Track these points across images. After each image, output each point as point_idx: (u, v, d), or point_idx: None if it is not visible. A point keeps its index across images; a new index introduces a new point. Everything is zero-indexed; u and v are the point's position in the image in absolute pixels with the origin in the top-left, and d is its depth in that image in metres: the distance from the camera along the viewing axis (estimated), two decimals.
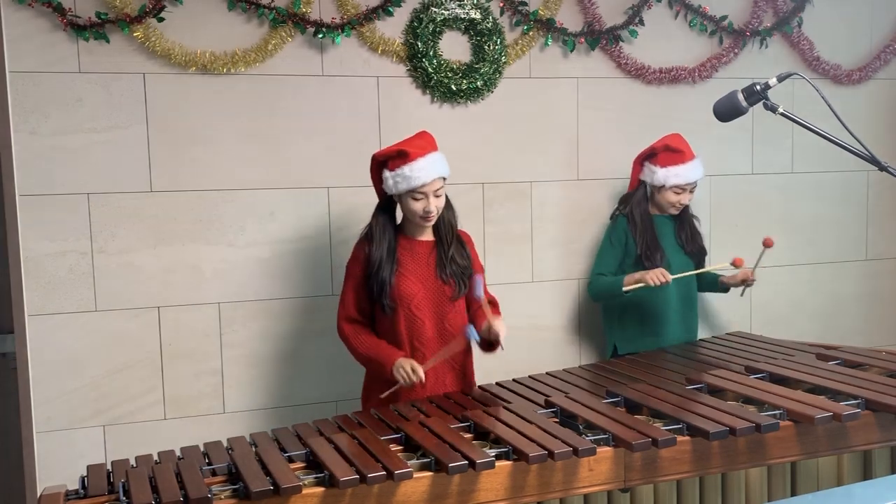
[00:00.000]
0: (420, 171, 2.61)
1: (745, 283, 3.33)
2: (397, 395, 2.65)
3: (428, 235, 2.78)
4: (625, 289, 3.17)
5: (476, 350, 2.85)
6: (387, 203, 2.76)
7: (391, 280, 2.68)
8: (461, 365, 2.82)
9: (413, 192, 2.64)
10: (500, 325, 2.67)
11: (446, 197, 2.76)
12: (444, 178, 2.71)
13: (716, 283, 3.43)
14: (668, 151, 3.24)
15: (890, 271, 4.18)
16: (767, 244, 3.24)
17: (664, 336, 3.29)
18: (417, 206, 2.66)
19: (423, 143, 2.69)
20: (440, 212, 2.72)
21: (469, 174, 3.38)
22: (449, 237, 2.77)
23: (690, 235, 3.39)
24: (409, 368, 2.58)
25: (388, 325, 2.73)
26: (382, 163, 2.70)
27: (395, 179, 2.64)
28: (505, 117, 3.47)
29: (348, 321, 2.76)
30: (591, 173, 3.62)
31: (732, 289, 3.42)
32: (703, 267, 3.41)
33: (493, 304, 2.87)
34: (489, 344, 2.73)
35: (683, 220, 3.39)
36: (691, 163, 3.25)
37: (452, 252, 2.76)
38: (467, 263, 2.79)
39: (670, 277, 3.12)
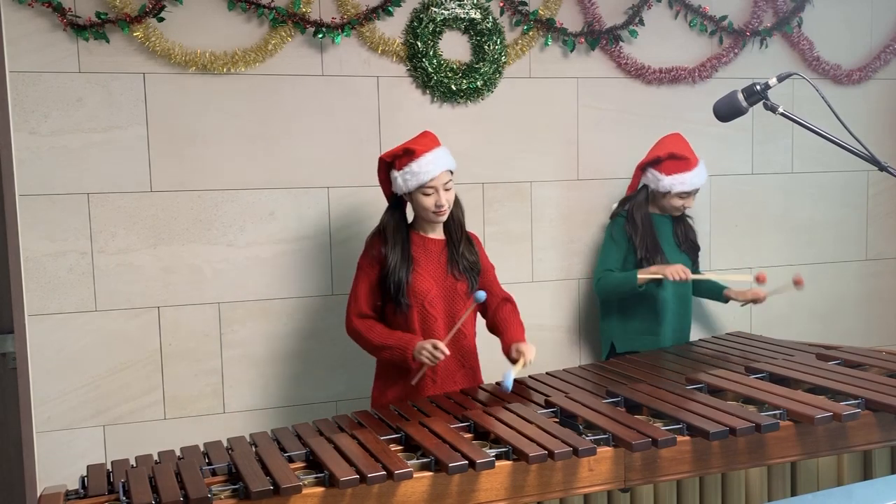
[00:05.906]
0: (428, 166, 2.65)
1: (756, 301, 3.34)
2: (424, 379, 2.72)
3: (439, 233, 2.81)
4: (640, 279, 3.17)
5: (479, 350, 2.90)
6: (396, 203, 2.78)
7: (408, 279, 2.71)
8: (471, 365, 2.86)
9: (423, 188, 2.67)
10: (529, 349, 2.72)
11: (455, 194, 2.79)
12: (452, 172, 2.74)
13: (717, 293, 3.43)
14: (674, 159, 3.21)
15: (890, 271, 4.18)
16: (798, 283, 3.22)
17: (661, 335, 3.29)
18: (429, 202, 2.69)
19: (426, 141, 2.73)
20: (451, 206, 2.75)
21: (469, 174, 3.38)
22: (458, 234, 2.81)
23: (685, 232, 3.40)
24: (430, 347, 2.60)
25: (402, 321, 2.75)
26: (390, 163, 2.72)
27: (405, 177, 2.67)
28: (505, 117, 3.47)
29: (360, 317, 2.76)
30: (591, 173, 3.62)
31: (732, 302, 3.44)
32: (698, 264, 3.43)
33: (510, 301, 2.91)
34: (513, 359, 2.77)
35: (679, 218, 3.40)
36: (696, 169, 3.25)
37: (462, 249, 2.80)
38: (476, 259, 2.83)
39: (691, 275, 3.15)
